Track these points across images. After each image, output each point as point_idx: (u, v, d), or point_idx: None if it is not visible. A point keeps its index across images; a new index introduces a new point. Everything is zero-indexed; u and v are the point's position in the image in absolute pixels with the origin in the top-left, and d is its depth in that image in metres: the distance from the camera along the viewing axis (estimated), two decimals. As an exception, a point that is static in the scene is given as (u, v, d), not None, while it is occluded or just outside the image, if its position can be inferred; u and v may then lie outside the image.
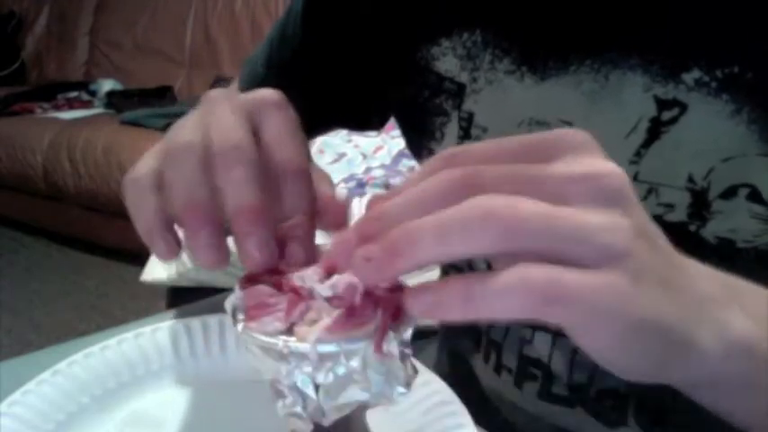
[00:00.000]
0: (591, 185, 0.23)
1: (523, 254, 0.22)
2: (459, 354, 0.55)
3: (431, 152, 0.49)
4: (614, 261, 0.22)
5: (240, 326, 0.34)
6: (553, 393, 0.46)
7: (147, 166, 0.33)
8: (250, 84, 0.59)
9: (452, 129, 0.46)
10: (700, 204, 0.38)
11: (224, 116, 0.32)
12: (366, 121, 0.58)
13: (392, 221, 0.24)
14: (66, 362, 0.44)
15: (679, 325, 0.24)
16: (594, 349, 0.24)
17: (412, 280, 0.39)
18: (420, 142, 0.51)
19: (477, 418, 0.39)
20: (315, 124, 0.50)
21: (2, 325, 2.04)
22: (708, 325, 0.25)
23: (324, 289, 0.35)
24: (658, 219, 0.38)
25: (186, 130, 0.32)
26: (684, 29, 0.38)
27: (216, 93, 0.34)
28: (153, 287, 1.41)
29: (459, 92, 0.45)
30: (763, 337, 0.27)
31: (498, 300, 0.22)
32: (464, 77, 0.45)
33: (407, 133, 0.54)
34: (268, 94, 0.33)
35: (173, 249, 0.32)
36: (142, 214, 0.32)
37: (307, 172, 0.32)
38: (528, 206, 0.22)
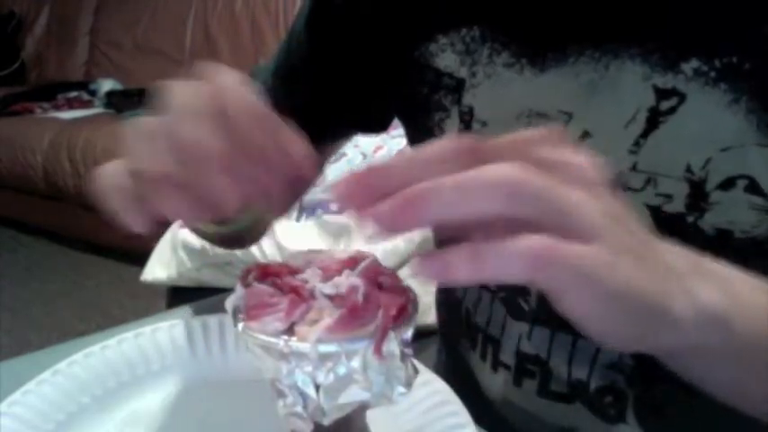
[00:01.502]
0: (579, 172, 0.26)
1: (523, 223, 0.24)
2: (459, 353, 0.55)
3: None
4: (597, 236, 0.25)
5: (241, 325, 0.34)
6: (552, 390, 0.46)
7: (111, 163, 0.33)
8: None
9: (452, 124, 0.47)
10: (697, 195, 0.38)
11: (180, 91, 0.31)
12: (371, 124, 0.58)
13: (402, 173, 0.26)
14: (66, 362, 0.44)
15: (654, 294, 0.26)
16: (578, 314, 0.25)
17: (412, 280, 0.39)
18: (422, 140, 0.51)
19: (477, 418, 0.39)
20: (325, 132, 0.50)
21: (2, 325, 2.04)
22: (680, 295, 0.27)
23: (327, 287, 0.35)
24: (656, 209, 0.38)
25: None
26: (684, 18, 0.38)
27: None
28: (153, 287, 1.41)
29: (458, 87, 0.45)
30: (731, 310, 0.28)
31: (502, 260, 0.24)
32: (463, 72, 0.45)
33: (410, 133, 0.54)
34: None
35: (146, 220, 0.32)
36: (113, 194, 0.32)
37: (265, 112, 0.31)
38: (538, 175, 0.24)
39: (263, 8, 2.75)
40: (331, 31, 0.53)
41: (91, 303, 2.22)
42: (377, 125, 0.58)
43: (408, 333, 0.34)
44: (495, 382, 0.50)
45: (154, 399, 0.44)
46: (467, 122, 0.45)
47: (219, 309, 0.38)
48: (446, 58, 0.46)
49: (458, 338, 0.54)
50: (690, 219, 0.38)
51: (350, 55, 0.53)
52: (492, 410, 0.51)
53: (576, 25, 0.41)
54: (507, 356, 0.48)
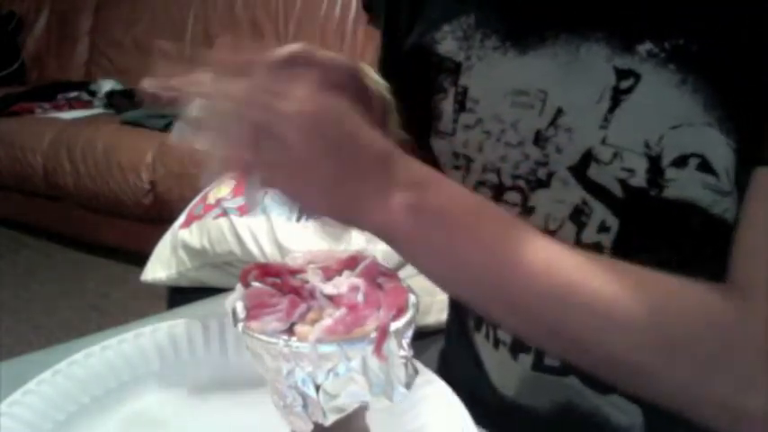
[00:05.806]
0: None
1: None
2: (467, 336, 0.56)
3: (437, 132, 0.52)
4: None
5: (240, 326, 0.34)
6: (546, 365, 0.48)
7: None
8: None
9: (448, 104, 0.50)
10: (655, 171, 0.40)
11: None
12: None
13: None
14: (66, 362, 0.44)
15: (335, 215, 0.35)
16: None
17: (411, 280, 0.39)
18: (420, 120, 0.53)
19: (478, 418, 0.39)
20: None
21: (2, 325, 2.04)
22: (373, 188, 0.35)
23: (327, 287, 0.35)
24: (624, 182, 0.41)
25: None
26: (638, 3, 0.41)
27: None
28: (153, 287, 1.40)
29: (456, 69, 0.49)
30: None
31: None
32: (461, 56, 0.49)
33: (407, 114, 0.55)
34: None
35: None
36: None
37: None
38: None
39: (263, 8, 2.74)
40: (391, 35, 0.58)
41: (91, 303, 2.22)
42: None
43: (408, 333, 0.34)
44: (496, 360, 0.52)
45: (154, 399, 0.44)
46: (461, 101, 0.49)
47: (219, 309, 0.38)
48: (447, 43, 0.50)
49: (466, 323, 0.57)
50: (652, 193, 0.40)
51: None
52: (495, 393, 0.52)
53: (551, 11, 0.44)
54: (504, 333, 0.50)
